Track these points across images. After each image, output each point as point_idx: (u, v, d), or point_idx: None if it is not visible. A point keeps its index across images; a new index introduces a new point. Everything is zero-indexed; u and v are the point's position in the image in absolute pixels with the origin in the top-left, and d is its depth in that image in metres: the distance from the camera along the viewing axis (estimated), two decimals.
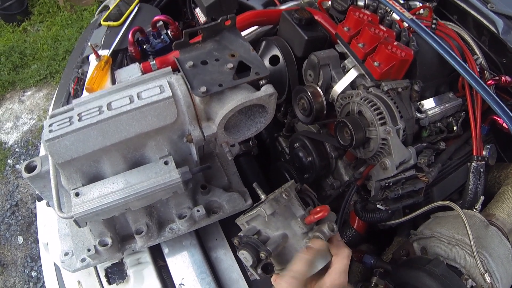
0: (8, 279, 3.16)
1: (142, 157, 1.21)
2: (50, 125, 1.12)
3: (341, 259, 0.98)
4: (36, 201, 1.59)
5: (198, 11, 2.17)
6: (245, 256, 0.93)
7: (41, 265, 2.66)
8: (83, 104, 1.24)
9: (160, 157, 1.18)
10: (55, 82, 4.29)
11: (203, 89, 1.09)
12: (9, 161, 3.80)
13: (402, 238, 1.56)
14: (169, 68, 1.29)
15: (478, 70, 1.62)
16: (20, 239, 3.33)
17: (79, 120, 1.12)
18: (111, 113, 1.12)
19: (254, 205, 1.05)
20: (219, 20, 1.23)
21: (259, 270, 0.92)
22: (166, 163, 1.16)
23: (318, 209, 0.99)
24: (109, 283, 1.33)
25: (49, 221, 1.64)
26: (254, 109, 1.20)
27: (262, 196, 1.08)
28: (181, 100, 1.14)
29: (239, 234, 0.98)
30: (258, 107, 1.18)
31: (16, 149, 3.89)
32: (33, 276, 3.15)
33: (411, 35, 1.51)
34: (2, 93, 4.36)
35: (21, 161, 3.77)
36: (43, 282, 2.99)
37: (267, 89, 1.11)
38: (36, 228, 2.91)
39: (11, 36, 4.89)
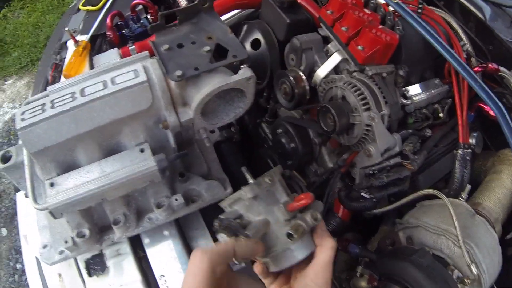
0: None
1: (118, 145, 1.17)
2: (22, 113, 1.08)
3: (326, 249, 0.93)
4: (15, 192, 1.56)
5: None
6: (224, 239, 0.90)
7: None
8: (58, 91, 1.19)
9: (136, 144, 1.14)
10: (36, 70, 4.22)
11: (179, 73, 1.05)
12: None
13: (388, 226, 1.54)
14: (146, 53, 1.25)
15: (465, 56, 1.60)
16: (4, 231, 3.29)
17: (52, 107, 1.08)
18: (84, 99, 1.08)
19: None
20: (196, 2, 1.19)
21: None
22: (142, 150, 1.12)
23: (302, 196, 0.96)
24: (89, 275, 1.30)
25: (28, 213, 1.60)
26: (233, 93, 1.16)
27: (251, 181, 1.05)
28: (156, 85, 1.10)
29: (219, 216, 0.95)
30: (237, 91, 1.14)
31: None
32: (17, 268, 3.11)
33: (396, 19, 1.48)
34: None
35: None
36: None
37: (244, 73, 1.08)
38: None
39: None
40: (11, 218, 3.33)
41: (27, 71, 4.32)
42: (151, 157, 1.10)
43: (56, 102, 1.09)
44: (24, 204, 1.69)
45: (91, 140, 1.13)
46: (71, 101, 1.08)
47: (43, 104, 1.09)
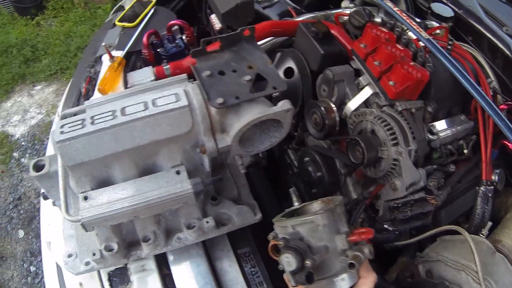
0: (6, 272, 3.13)
1: (154, 165, 1.18)
2: (62, 126, 1.09)
3: (368, 283, 0.99)
4: (41, 199, 1.57)
5: (213, 17, 2.14)
6: (289, 260, 0.90)
7: (40, 261, 2.63)
8: (95, 106, 1.22)
9: (172, 166, 1.15)
10: (65, 78, 4.27)
11: (220, 100, 1.07)
12: (14, 154, 3.78)
13: (407, 259, 1.53)
14: (185, 75, 1.27)
15: (491, 93, 1.60)
16: (21, 233, 3.30)
17: (92, 123, 1.09)
18: (125, 118, 1.09)
19: (289, 210, 1.03)
20: (238, 30, 1.21)
21: (301, 278, 0.91)
22: (178, 172, 1.13)
23: (363, 229, 0.98)
24: (112, 287, 1.30)
25: (53, 220, 1.60)
26: (269, 123, 1.17)
27: (296, 204, 1.06)
28: (197, 110, 1.12)
29: (284, 236, 0.96)
30: (273, 121, 1.15)
31: (23, 143, 3.86)
32: (31, 270, 3.11)
33: (427, 56, 1.48)
34: (12, 86, 4.34)
35: (27, 155, 3.74)
36: (42, 277, 2.97)
37: (284, 105, 1.09)
38: (38, 223, 2.89)
39: (24, 29, 4.88)
40: (29, 221, 3.34)
41: (56, 78, 4.36)
42: (187, 180, 1.11)
43: (97, 119, 1.10)
44: (48, 211, 1.69)
45: (128, 159, 1.14)
46: (111, 119, 1.09)
47: (83, 119, 1.11)
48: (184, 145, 1.16)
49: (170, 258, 1.33)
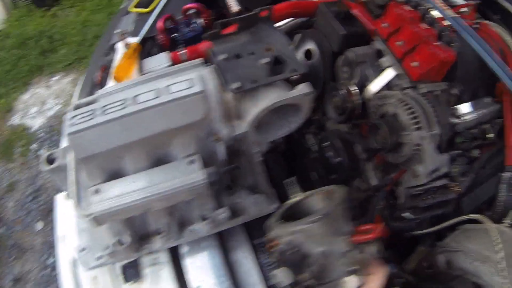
0: (26, 264, 3.11)
1: (166, 155, 1.11)
2: (72, 118, 1.04)
3: (378, 278, 0.92)
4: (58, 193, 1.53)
5: None
6: (284, 274, 0.84)
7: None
8: (108, 95, 1.15)
9: (185, 155, 1.07)
10: (82, 68, 4.20)
11: (237, 84, 0.98)
12: (33, 146, 3.73)
13: (426, 248, 1.44)
14: (200, 60, 1.18)
15: None
16: (40, 225, 3.27)
17: (103, 113, 1.03)
18: (136, 107, 1.02)
19: (289, 204, 0.95)
20: (255, 11, 1.13)
21: None
22: (192, 162, 1.05)
23: (369, 227, 0.89)
24: (126, 280, 1.26)
25: (67, 214, 1.56)
26: (287, 108, 1.09)
27: (297, 196, 1.02)
28: (212, 96, 1.03)
29: (280, 246, 0.88)
30: (292, 106, 1.07)
31: (41, 135, 3.81)
32: (49, 263, 3.09)
33: (453, 35, 1.39)
34: (30, 78, 4.30)
35: (45, 147, 3.69)
36: None
37: (303, 88, 1.01)
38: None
39: (41, 20, 4.82)
40: (48, 213, 3.29)
41: (74, 68, 4.27)
42: (202, 170, 1.03)
43: (108, 109, 1.04)
44: (63, 205, 1.66)
45: (140, 149, 1.08)
46: (122, 109, 1.03)
47: (94, 110, 1.05)
48: (198, 133, 1.08)
49: (184, 249, 1.27)
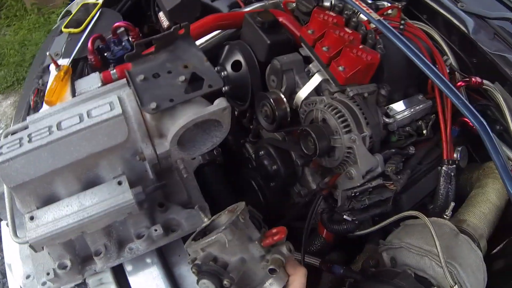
0: None
1: (97, 177, 1.17)
2: (0, 147, 1.09)
3: (299, 278, 0.99)
4: None
5: (161, 15, 2.14)
6: (207, 285, 0.91)
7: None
8: (37, 121, 1.20)
9: (114, 176, 1.15)
10: (22, 89, 4.19)
11: (153, 105, 1.06)
12: None
13: (373, 245, 1.55)
14: (124, 81, 1.26)
15: (448, 71, 1.62)
16: None
17: (29, 141, 1.09)
18: (61, 133, 1.09)
19: (200, 228, 1.04)
20: (172, 29, 1.20)
21: None
22: (119, 183, 1.12)
23: (274, 230, 0.98)
24: None
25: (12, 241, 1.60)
26: (209, 122, 1.16)
27: (205, 220, 1.08)
28: (132, 117, 1.11)
29: (195, 262, 0.96)
30: (214, 121, 1.15)
31: None
32: None
33: (377, 37, 1.49)
34: None
35: None
36: None
37: (220, 103, 1.09)
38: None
39: None
40: None
41: (13, 90, 4.29)
42: (129, 190, 1.10)
43: (34, 136, 1.10)
44: (7, 233, 1.68)
45: (69, 174, 1.14)
46: (48, 135, 1.09)
47: (21, 138, 1.10)
48: (123, 154, 1.15)
49: (128, 268, 1.32)
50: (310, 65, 1.55)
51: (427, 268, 1.28)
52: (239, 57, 1.67)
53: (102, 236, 1.24)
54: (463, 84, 1.62)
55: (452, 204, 1.47)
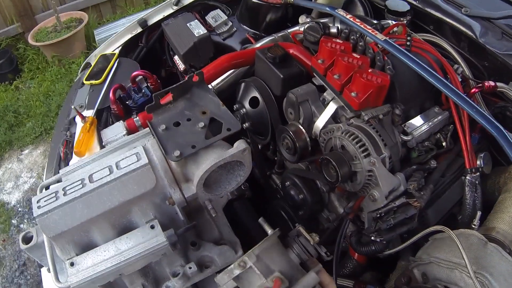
0: None
1: (130, 223, 1.26)
2: (38, 201, 1.19)
3: None
4: (39, 268, 1.64)
5: (177, 58, 2.23)
6: None
7: None
8: (69, 174, 1.32)
9: (147, 221, 1.23)
10: (50, 139, 4.36)
11: (177, 153, 1.14)
12: (13, 221, 3.86)
13: (405, 262, 1.57)
14: (147, 130, 1.34)
15: (460, 79, 1.64)
16: None
17: (64, 194, 1.19)
18: (93, 185, 1.18)
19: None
20: (186, 78, 1.28)
21: None
22: (152, 227, 1.20)
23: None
24: None
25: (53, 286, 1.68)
26: (232, 163, 1.24)
27: (269, 231, 1.17)
28: (158, 166, 1.21)
29: None
30: (236, 161, 1.22)
31: (19, 209, 3.95)
32: None
33: (386, 58, 1.53)
34: (1, 154, 4.45)
35: (25, 220, 3.83)
36: None
37: (239, 145, 1.16)
38: None
39: (4, 95, 4.99)
40: (37, 285, 3.41)
41: (42, 140, 4.46)
42: (162, 233, 1.18)
43: (68, 189, 1.20)
44: (49, 277, 1.76)
45: (104, 221, 1.23)
46: (81, 188, 1.19)
47: (56, 192, 1.20)
48: (153, 200, 1.23)
49: None
50: (325, 94, 1.61)
51: (458, 280, 1.29)
52: (255, 93, 1.74)
53: (139, 277, 1.32)
54: (477, 90, 1.63)
55: (479, 213, 1.47)
